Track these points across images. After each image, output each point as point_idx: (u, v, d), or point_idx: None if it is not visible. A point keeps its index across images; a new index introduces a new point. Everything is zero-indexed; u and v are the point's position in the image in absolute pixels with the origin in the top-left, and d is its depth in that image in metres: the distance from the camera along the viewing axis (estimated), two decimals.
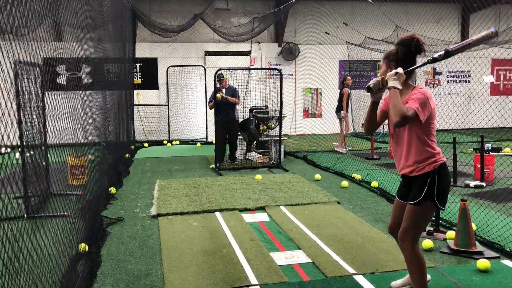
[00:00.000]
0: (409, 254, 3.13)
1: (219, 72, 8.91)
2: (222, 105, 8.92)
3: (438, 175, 3.05)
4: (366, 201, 6.31)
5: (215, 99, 8.80)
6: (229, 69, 9.26)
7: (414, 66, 3.06)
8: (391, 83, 2.93)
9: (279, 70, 9.19)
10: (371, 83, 3.03)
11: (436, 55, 2.99)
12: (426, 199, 3.05)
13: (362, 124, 13.92)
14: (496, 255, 4.21)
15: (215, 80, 8.74)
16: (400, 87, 2.94)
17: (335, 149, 11.08)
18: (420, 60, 3.21)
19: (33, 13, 2.80)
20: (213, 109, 9.11)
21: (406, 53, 3.06)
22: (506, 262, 4.08)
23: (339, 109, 11.11)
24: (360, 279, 3.79)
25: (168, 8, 13.80)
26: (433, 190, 3.04)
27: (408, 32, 3.17)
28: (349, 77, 11.24)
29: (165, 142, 13.06)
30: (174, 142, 13.11)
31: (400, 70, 2.95)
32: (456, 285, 3.63)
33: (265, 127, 9.71)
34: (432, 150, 3.08)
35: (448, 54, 2.96)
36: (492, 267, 3.92)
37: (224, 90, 9.05)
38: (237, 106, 9.25)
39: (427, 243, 4.41)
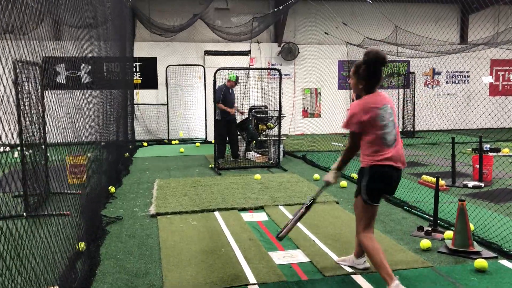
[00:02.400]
0: (364, 243, 3.54)
1: (238, 75, 9.31)
2: (231, 104, 9.19)
3: (365, 173, 3.53)
4: None
5: (224, 101, 9.01)
6: (228, 69, 9.28)
7: (341, 163, 3.79)
8: (337, 177, 3.84)
9: (279, 70, 9.20)
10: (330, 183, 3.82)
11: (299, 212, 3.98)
12: (357, 194, 3.64)
13: None
14: (494, 255, 4.23)
15: (214, 80, 8.75)
16: (339, 175, 3.82)
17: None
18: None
19: (33, 12, 2.81)
20: (214, 108, 9.15)
21: (373, 69, 3.47)
22: (504, 262, 4.10)
23: None
24: (358, 278, 3.80)
25: (168, 8, 13.80)
26: (364, 186, 3.52)
27: (370, 48, 3.65)
28: None
29: (174, 142, 13.07)
30: (173, 142, 13.12)
31: (336, 173, 3.79)
32: (454, 285, 3.65)
33: (264, 127, 9.72)
34: (371, 153, 3.51)
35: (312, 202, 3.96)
36: (490, 267, 3.93)
37: (230, 90, 9.25)
38: None
39: (425, 243, 4.42)
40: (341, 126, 3.66)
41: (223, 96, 9.09)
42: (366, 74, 3.48)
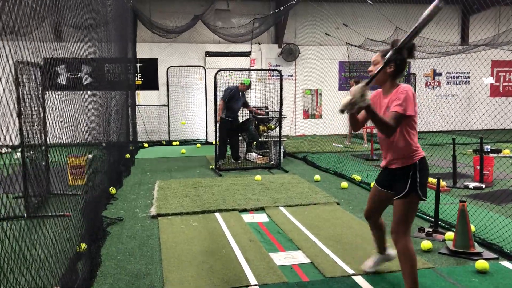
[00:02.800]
0: (402, 247, 3.26)
1: (250, 80, 9.40)
2: (237, 106, 9.20)
3: (419, 168, 3.25)
4: (366, 202, 6.30)
5: (230, 101, 9.07)
6: (229, 70, 9.28)
7: (371, 78, 3.14)
8: (362, 103, 2.96)
9: (279, 71, 9.20)
10: (342, 106, 3.04)
11: (387, 56, 3.10)
12: (411, 191, 3.23)
13: (363, 125, 14.19)
14: (495, 256, 4.22)
15: (215, 81, 8.76)
16: (370, 102, 2.98)
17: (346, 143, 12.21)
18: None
19: (34, 13, 2.81)
20: (218, 110, 9.14)
21: (407, 56, 3.20)
22: (505, 263, 4.09)
23: None
24: (359, 279, 3.80)
25: (169, 9, 13.81)
26: (416, 183, 3.23)
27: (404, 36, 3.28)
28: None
29: (174, 143, 13.08)
30: (174, 143, 13.13)
31: (362, 85, 2.97)
32: (455, 286, 3.64)
33: (265, 128, 9.72)
34: (415, 145, 3.27)
35: (398, 50, 3.05)
36: (491, 268, 3.93)
37: (240, 93, 9.27)
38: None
39: (426, 244, 4.42)
40: (397, 111, 3.07)
41: (230, 97, 9.10)
42: (404, 58, 3.19)
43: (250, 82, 9.40)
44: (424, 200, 3.30)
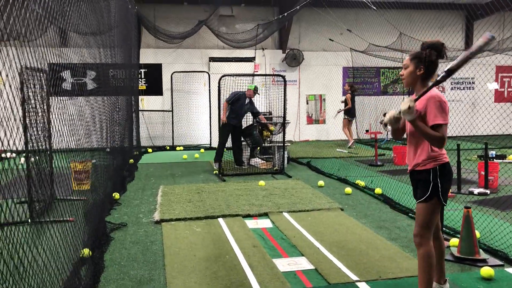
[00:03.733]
0: (424, 249, 3.25)
1: (256, 86, 9.41)
2: (242, 111, 9.19)
3: (439, 173, 3.24)
4: (370, 208, 6.30)
5: (234, 104, 9.06)
6: (233, 75, 9.30)
7: (422, 93, 3.13)
8: (408, 117, 3.05)
9: (283, 77, 9.21)
10: (385, 119, 3.16)
11: (439, 78, 3.09)
12: (433, 196, 3.23)
13: (367, 130, 14.26)
14: (500, 263, 4.19)
15: (219, 87, 8.78)
16: (415, 117, 3.05)
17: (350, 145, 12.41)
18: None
19: (39, 19, 2.83)
20: (222, 110, 9.13)
21: (436, 57, 3.19)
22: (510, 270, 4.06)
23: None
24: (363, 286, 3.78)
25: (173, 15, 13.88)
26: (438, 187, 3.22)
27: (435, 38, 3.32)
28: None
29: (178, 148, 13.11)
30: (177, 148, 13.15)
31: (412, 103, 3.01)
32: None
33: (269, 133, 9.73)
34: (438, 150, 3.26)
35: (450, 72, 3.05)
36: (496, 275, 3.90)
37: (247, 99, 9.26)
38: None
39: None
40: (439, 123, 3.05)
41: (235, 100, 9.12)
42: (433, 60, 3.18)
43: (256, 87, 9.39)
44: (445, 205, 3.32)
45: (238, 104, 9.13)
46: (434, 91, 3.17)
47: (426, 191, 3.26)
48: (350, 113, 12.86)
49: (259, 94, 9.59)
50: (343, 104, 12.97)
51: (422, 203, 3.28)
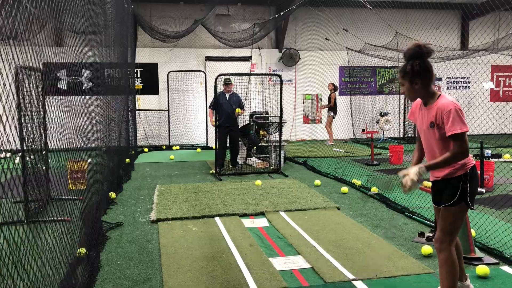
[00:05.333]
0: (446, 255, 3.17)
1: (227, 77, 9.04)
2: (225, 110, 8.96)
3: (469, 177, 3.16)
4: (366, 207, 6.31)
5: (217, 107, 8.81)
6: (229, 75, 9.29)
7: (432, 165, 3.13)
8: (420, 174, 3.05)
9: (280, 76, 9.21)
10: (408, 190, 3.10)
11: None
12: (461, 200, 3.15)
13: (363, 130, 14.28)
14: (496, 261, 4.21)
15: (215, 86, 8.76)
16: (425, 171, 3.07)
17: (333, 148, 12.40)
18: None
19: (34, 18, 2.82)
20: (209, 117, 9.01)
21: (423, 63, 3.07)
22: (505, 268, 4.08)
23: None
24: (359, 284, 3.79)
25: (169, 14, 13.86)
26: (466, 191, 3.14)
27: (408, 44, 3.17)
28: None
29: (175, 148, 13.07)
30: (174, 147, 13.14)
31: (422, 169, 3.05)
32: None
33: (265, 133, 9.72)
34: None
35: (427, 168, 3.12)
36: (491, 273, 3.92)
37: (227, 95, 9.10)
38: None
39: (426, 249, 4.41)
40: (452, 132, 2.98)
41: (215, 103, 8.91)
42: (419, 70, 3.06)
43: (226, 78, 9.05)
44: (473, 209, 3.26)
45: (219, 105, 8.93)
46: (446, 99, 3.06)
47: (454, 195, 3.14)
48: (335, 110, 13.44)
49: (232, 84, 9.19)
50: (327, 101, 13.60)
51: (448, 207, 3.17)
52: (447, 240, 3.18)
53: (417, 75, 3.07)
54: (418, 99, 3.27)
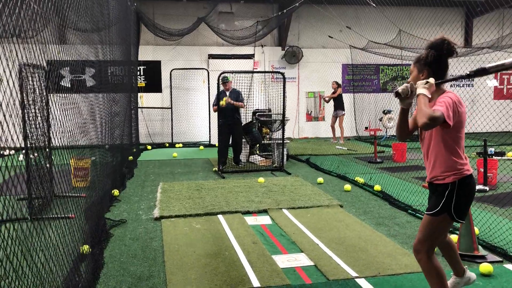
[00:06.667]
0: (425, 265, 3.00)
1: (223, 75, 8.96)
2: (226, 108, 8.95)
3: (458, 187, 2.93)
4: (369, 205, 6.31)
5: (219, 104, 8.80)
6: (232, 72, 9.29)
7: (445, 79, 2.95)
8: (420, 90, 2.80)
9: (282, 74, 9.21)
10: (399, 88, 2.92)
11: (471, 71, 2.81)
12: (443, 211, 2.94)
13: (366, 127, 14.30)
14: (499, 259, 4.20)
15: (218, 84, 8.76)
16: (430, 96, 2.80)
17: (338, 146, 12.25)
18: (451, 61, 3.13)
19: (38, 16, 2.83)
20: (216, 112, 9.05)
21: (439, 57, 2.97)
22: (509, 266, 4.07)
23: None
24: (362, 282, 3.79)
25: (172, 12, 13.86)
26: (451, 203, 2.92)
27: (437, 35, 3.06)
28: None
29: (178, 146, 13.09)
30: (177, 145, 13.15)
31: (432, 80, 2.83)
32: None
33: (268, 130, 9.72)
34: (458, 160, 2.95)
35: (483, 71, 2.75)
36: (495, 271, 3.91)
37: (227, 93, 9.09)
38: (240, 109, 9.28)
39: None
40: (438, 109, 2.72)
41: (216, 101, 8.96)
42: (432, 61, 2.94)
43: (223, 77, 9.02)
44: (460, 222, 3.01)
45: (219, 103, 8.98)
46: (452, 93, 2.91)
47: (436, 205, 2.94)
48: (343, 107, 13.27)
49: (230, 80, 9.16)
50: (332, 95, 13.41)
51: (429, 216, 2.98)
52: (423, 250, 2.97)
53: (427, 65, 2.97)
54: None
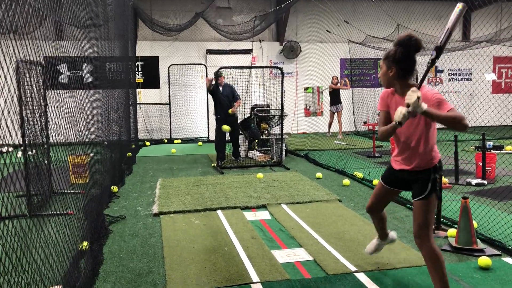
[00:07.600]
0: (430, 249, 3.10)
1: (217, 70, 8.99)
2: (223, 103, 8.95)
3: (438, 169, 3.22)
4: (368, 199, 6.29)
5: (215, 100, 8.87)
6: (230, 68, 9.27)
7: (423, 78, 2.97)
8: (422, 108, 2.81)
9: (281, 69, 9.19)
10: (399, 119, 2.87)
11: (432, 57, 2.95)
12: (432, 192, 3.16)
13: (364, 122, 14.30)
14: (497, 252, 4.22)
15: (216, 79, 8.74)
16: (426, 106, 2.83)
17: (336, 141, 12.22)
18: (419, 57, 3.17)
19: (35, 12, 2.81)
20: (214, 106, 9.07)
21: (407, 53, 3.03)
22: (507, 259, 4.09)
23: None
24: (361, 276, 3.80)
25: (170, 7, 13.81)
26: (435, 183, 3.17)
27: (404, 32, 3.14)
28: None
29: (176, 141, 13.07)
30: (175, 141, 13.14)
31: (416, 90, 2.82)
32: (458, 283, 3.64)
33: (267, 126, 9.71)
34: (435, 148, 3.23)
35: (439, 49, 2.93)
36: (493, 264, 3.93)
37: (220, 88, 9.10)
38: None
39: None
40: (452, 107, 2.86)
41: (214, 97, 9.06)
42: (400, 58, 3.03)
43: (216, 71, 8.98)
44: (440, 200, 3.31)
45: (215, 98, 9.07)
46: (428, 88, 3.03)
47: (425, 188, 3.14)
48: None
49: (223, 76, 9.17)
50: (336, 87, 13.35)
51: (421, 200, 3.15)
52: (424, 234, 3.12)
53: (394, 62, 3.07)
54: (387, 90, 3.31)
